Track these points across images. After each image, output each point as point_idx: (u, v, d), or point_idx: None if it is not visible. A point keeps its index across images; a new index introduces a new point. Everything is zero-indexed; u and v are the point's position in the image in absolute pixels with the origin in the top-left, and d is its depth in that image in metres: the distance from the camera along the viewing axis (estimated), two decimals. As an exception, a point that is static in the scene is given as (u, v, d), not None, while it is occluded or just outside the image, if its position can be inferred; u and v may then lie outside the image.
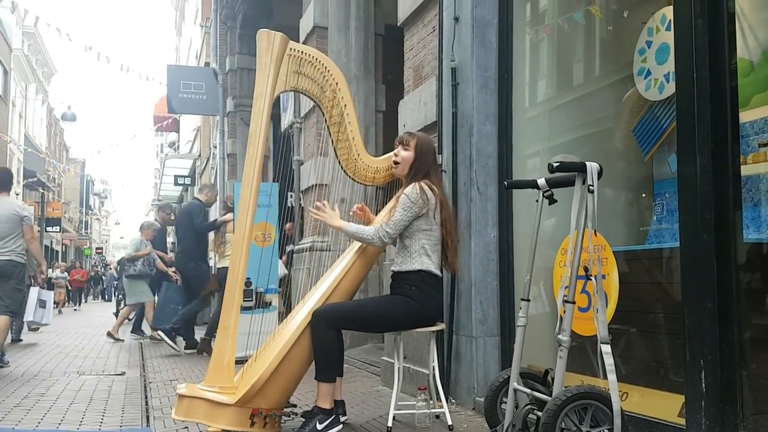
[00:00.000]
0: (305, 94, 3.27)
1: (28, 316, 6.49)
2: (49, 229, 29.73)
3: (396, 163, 3.19)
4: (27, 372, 5.62)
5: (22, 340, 8.16)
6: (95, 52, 22.13)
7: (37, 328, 9.26)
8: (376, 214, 3.42)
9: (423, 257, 3.02)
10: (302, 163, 7.16)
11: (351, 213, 3.36)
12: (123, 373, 5.60)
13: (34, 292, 7.80)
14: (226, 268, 6.14)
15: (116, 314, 13.88)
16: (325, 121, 3.28)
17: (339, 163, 3.29)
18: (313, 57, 3.18)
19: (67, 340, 8.78)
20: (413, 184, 3.02)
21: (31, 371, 5.66)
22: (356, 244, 3.29)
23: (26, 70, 29.38)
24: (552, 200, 2.78)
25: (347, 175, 3.30)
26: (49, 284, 14.41)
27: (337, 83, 3.21)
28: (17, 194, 27.64)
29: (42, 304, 8.06)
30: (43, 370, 5.77)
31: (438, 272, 3.08)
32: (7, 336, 6.07)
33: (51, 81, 36.95)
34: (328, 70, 3.20)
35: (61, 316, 14.15)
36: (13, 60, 26.35)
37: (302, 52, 3.17)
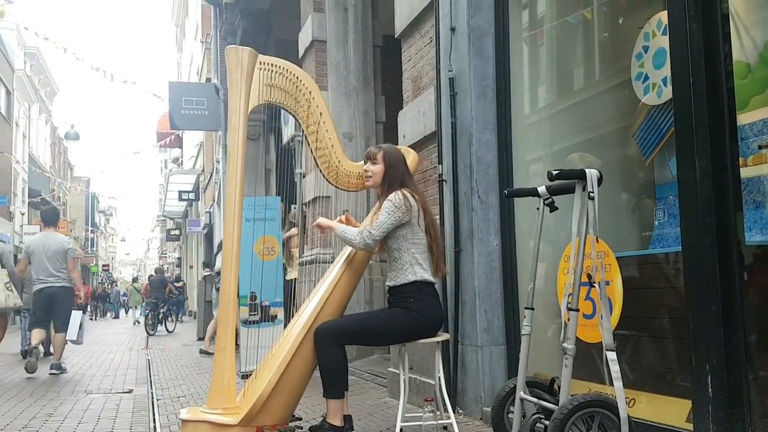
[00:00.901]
0: (280, 106, 3.25)
1: (71, 336, 6.94)
2: (55, 247, 29.75)
3: (369, 177, 3.20)
4: (35, 392, 5.61)
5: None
6: (101, 70, 22.23)
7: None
8: None
9: (415, 267, 3.02)
10: (304, 176, 7.18)
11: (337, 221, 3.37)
12: (130, 391, 5.59)
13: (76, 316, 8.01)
14: (291, 280, 6.28)
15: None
16: (303, 131, 3.28)
17: (320, 171, 3.29)
18: (283, 68, 3.16)
19: (75, 359, 8.76)
20: (396, 191, 3.03)
21: (39, 391, 5.66)
22: (343, 255, 3.29)
23: (29, 90, 29.57)
24: (553, 208, 2.78)
25: (329, 182, 3.30)
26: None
27: (310, 92, 3.20)
28: (22, 214, 27.78)
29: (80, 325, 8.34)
30: (51, 389, 5.76)
31: (432, 279, 3.08)
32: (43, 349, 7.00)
33: (54, 100, 37.17)
34: (300, 80, 3.19)
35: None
36: (16, 80, 26.54)
37: (272, 64, 3.14)
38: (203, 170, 19.76)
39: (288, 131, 7.93)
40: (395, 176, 3.12)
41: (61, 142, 36.92)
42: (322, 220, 3.27)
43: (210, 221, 17.57)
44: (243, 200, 3.08)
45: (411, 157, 3.40)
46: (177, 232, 29.96)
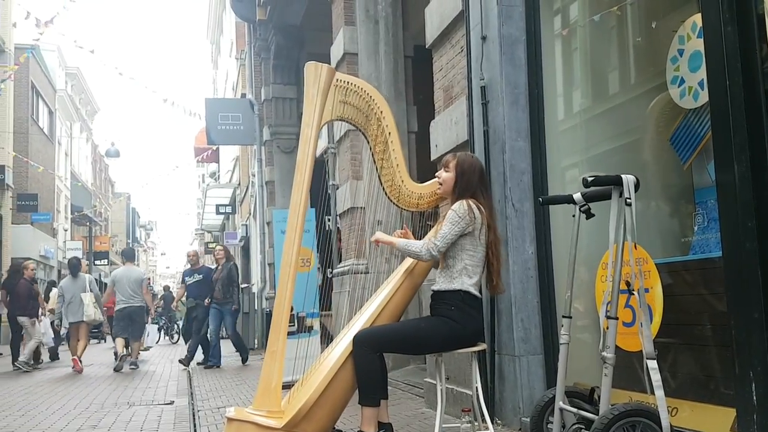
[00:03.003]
0: (351, 123, 3.34)
1: (148, 343, 9.70)
2: (97, 262, 30.50)
3: (440, 184, 3.21)
4: (79, 404, 5.75)
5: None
6: (143, 86, 22.76)
7: (147, 349, 13.08)
8: (419, 239, 3.42)
9: (464, 277, 3.01)
10: (338, 188, 7.23)
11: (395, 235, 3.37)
12: (172, 402, 5.69)
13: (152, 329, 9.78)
14: None
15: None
16: (370, 148, 3.32)
17: (383, 189, 3.32)
18: (358, 87, 3.25)
19: (117, 372, 8.94)
20: (461, 200, 3.02)
21: (83, 403, 5.79)
22: (403, 267, 3.30)
23: (70, 109, 30.42)
24: (589, 215, 2.75)
25: (392, 201, 3.32)
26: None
27: (381, 111, 3.26)
28: (65, 230, 28.50)
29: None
30: (95, 401, 5.90)
31: (478, 293, 3.05)
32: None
33: (94, 119, 38.17)
34: (373, 99, 3.26)
35: (105, 349, 14.40)
36: (58, 100, 27.33)
37: (348, 82, 3.24)
38: (239, 184, 20.02)
39: (321, 144, 8.00)
40: (465, 185, 3.07)
41: (101, 160, 37.85)
42: (380, 236, 3.22)
43: (246, 234, 17.79)
44: (306, 211, 3.14)
45: None
46: (214, 245, 30.37)
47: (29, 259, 15.48)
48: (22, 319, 9.75)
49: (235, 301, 9.13)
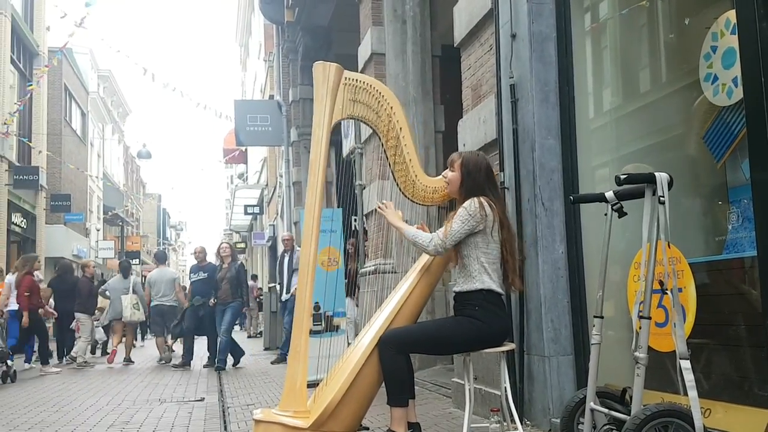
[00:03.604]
0: (361, 121, 3.34)
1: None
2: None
3: (447, 184, 3.20)
4: (112, 401, 5.85)
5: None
6: (173, 89, 23.12)
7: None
8: None
9: (483, 275, 2.99)
10: (364, 188, 7.25)
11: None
12: (202, 399, 5.75)
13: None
14: None
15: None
16: (382, 145, 3.32)
17: (397, 185, 3.32)
18: (367, 84, 3.25)
19: (148, 369, 9.08)
20: (472, 198, 3.01)
21: (116, 400, 5.89)
22: (419, 265, 3.30)
23: (102, 111, 30.96)
24: (621, 213, 2.72)
25: (405, 196, 3.33)
26: None
27: (392, 107, 3.26)
28: (98, 230, 29.00)
29: None
30: (127, 398, 5.99)
31: (500, 289, 3.03)
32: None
33: (126, 121, 38.80)
34: (383, 96, 3.25)
35: (136, 348, 14.61)
36: (90, 102, 27.83)
37: (357, 80, 3.24)
38: (267, 185, 20.20)
39: (348, 144, 8.03)
40: (472, 184, 3.07)
41: (133, 161, 38.46)
42: (391, 216, 3.22)
43: (274, 234, 17.93)
44: (321, 212, 3.15)
45: None
46: (243, 245, 30.69)
47: (63, 258, 15.78)
48: (82, 316, 10.05)
49: (245, 301, 9.04)
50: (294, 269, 8.82)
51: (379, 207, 3.32)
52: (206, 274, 9.10)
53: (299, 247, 8.90)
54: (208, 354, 9.22)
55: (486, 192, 3.06)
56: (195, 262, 9.91)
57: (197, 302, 9.04)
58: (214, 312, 8.82)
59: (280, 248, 15.32)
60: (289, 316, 8.64)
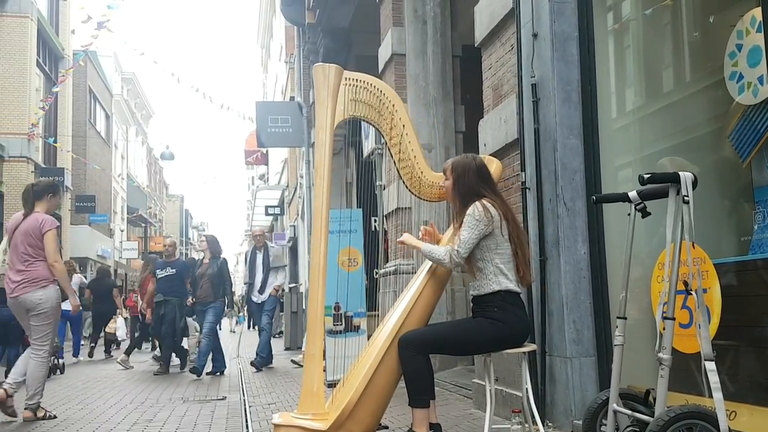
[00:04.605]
0: (364, 120, 3.34)
1: None
2: (151, 262, 31.29)
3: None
4: (135, 399, 5.91)
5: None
6: (197, 91, 23.35)
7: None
8: None
9: (499, 277, 2.98)
10: (384, 188, 7.25)
11: (420, 237, 3.36)
12: (224, 398, 5.80)
13: None
14: None
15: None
16: (386, 143, 3.33)
17: (403, 182, 3.33)
18: (367, 83, 3.24)
19: (171, 368, 9.16)
20: (474, 203, 3.00)
21: (139, 398, 5.96)
22: (426, 267, 3.30)
23: (126, 113, 31.36)
24: (645, 213, 2.70)
25: (412, 193, 3.33)
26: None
27: (393, 105, 3.26)
28: (122, 231, 29.37)
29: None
30: (150, 397, 6.05)
31: (517, 288, 3.02)
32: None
33: (149, 123, 39.25)
34: (384, 94, 3.25)
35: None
36: (114, 105, 28.21)
37: (357, 79, 3.23)
38: (288, 185, 20.29)
39: (368, 145, 8.04)
40: (465, 188, 3.07)
41: (156, 162, 38.90)
42: (407, 238, 3.25)
43: (294, 234, 18.01)
44: (329, 213, 3.16)
45: (494, 166, 3.37)
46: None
47: (88, 258, 16.02)
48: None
49: (228, 302, 8.23)
50: (270, 267, 8.41)
51: (398, 241, 3.34)
52: (174, 270, 8.28)
53: (272, 243, 8.74)
54: (154, 358, 8.70)
55: (481, 192, 3.05)
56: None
57: (158, 299, 8.32)
58: (176, 313, 8.12)
59: (301, 248, 15.43)
60: (267, 317, 8.26)
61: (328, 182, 3.15)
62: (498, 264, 2.99)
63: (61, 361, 8.42)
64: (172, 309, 8.12)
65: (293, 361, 8.74)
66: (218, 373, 7.74)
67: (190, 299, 8.14)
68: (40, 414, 4.73)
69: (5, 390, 4.66)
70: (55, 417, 4.81)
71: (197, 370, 7.49)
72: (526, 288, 3.44)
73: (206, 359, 7.65)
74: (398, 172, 3.35)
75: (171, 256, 8.58)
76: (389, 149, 3.33)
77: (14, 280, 4.76)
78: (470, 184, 3.07)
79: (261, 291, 8.35)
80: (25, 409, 4.70)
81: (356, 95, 3.22)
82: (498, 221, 2.98)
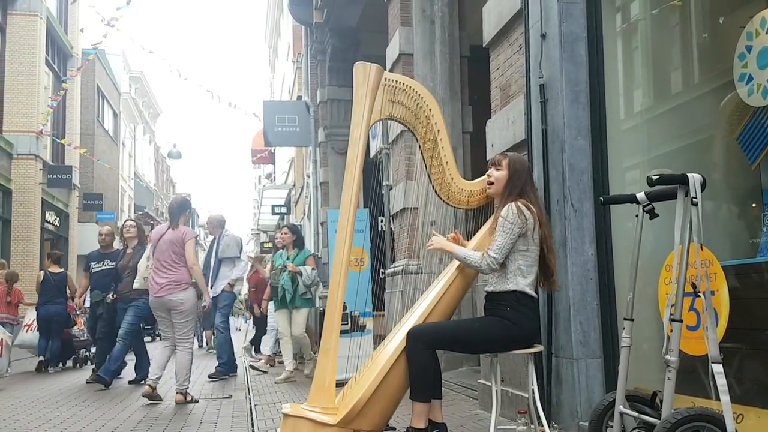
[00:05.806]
0: (400, 122, 3.35)
1: None
2: (157, 260, 31.38)
3: (490, 183, 3.18)
4: (142, 397, 5.93)
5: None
6: (205, 90, 23.46)
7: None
8: (468, 238, 3.41)
9: (518, 278, 2.98)
10: (391, 188, 7.25)
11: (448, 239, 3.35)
12: (230, 397, 5.82)
13: None
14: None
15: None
16: (419, 146, 3.32)
17: (433, 187, 3.32)
18: (406, 85, 3.26)
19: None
20: (508, 204, 2.98)
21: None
22: (454, 266, 3.29)
23: (134, 112, 31.45)
24: (653, 215, 2.69)
25: (441, 199, 3.32)
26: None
27: (430, 109, 3.26)
28: (129, 229, 29.42)
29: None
30: (156, 394, 6.06)
31: (533, 293, 3.02)
32: None
33: (157, 121, 39.36)
34: (422, 97, 3.26)
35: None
36: (122, 103, 28.29)
37: (397, 81, 3.25)
38: (294, 185, 20.32)
39: (375, 145, 8.04)
40: (516, 184, 3.08)
41: (164, 161, 39.00)
42: (440, 242, 3.18)
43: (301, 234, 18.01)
44: (356, 211, 3.17)
45: None
46: (270, 245, 30.88)
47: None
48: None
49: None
50: (221, 258, 7.33)
51: (428, 246, 3.29)
52: (113, 264, 7.13)
53: (227, 231, 7.64)
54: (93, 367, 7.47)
55: (525, 192, 3.07)
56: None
57: (96, 298, 7.24)
58: (116, 312, 6.91)
59: (309, 247, 15.40)
60: (220, 315, 7.28)
61: (358, 180, 3.15)
62: (521, 265, 2.99)
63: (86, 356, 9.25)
64: (112, 307, 6.98)
65: (252, 367, 8.05)
66: (227, 376, 7.28)
67: (111, 295, 6.97)
68: (188, 398, 5.40)
69: (150, 385, 5.40)
70: (198, 401, 5.43)
71: (104, 380, 6.38)
72: (554, 291, 3.46)
73: (117, 365, 6.63)
74: (429, 177, 3.33)
75: (108, 247, 7.51)
76: (422, 153, 3.32)
77: (159, 283, 5.39)
78: (522, 182, 3.10)
79: (212, 285, 7.19)
80: (177, 393, 5.40)
81: (394, 96, 3.23)
82: (532, 224, 2.98)
